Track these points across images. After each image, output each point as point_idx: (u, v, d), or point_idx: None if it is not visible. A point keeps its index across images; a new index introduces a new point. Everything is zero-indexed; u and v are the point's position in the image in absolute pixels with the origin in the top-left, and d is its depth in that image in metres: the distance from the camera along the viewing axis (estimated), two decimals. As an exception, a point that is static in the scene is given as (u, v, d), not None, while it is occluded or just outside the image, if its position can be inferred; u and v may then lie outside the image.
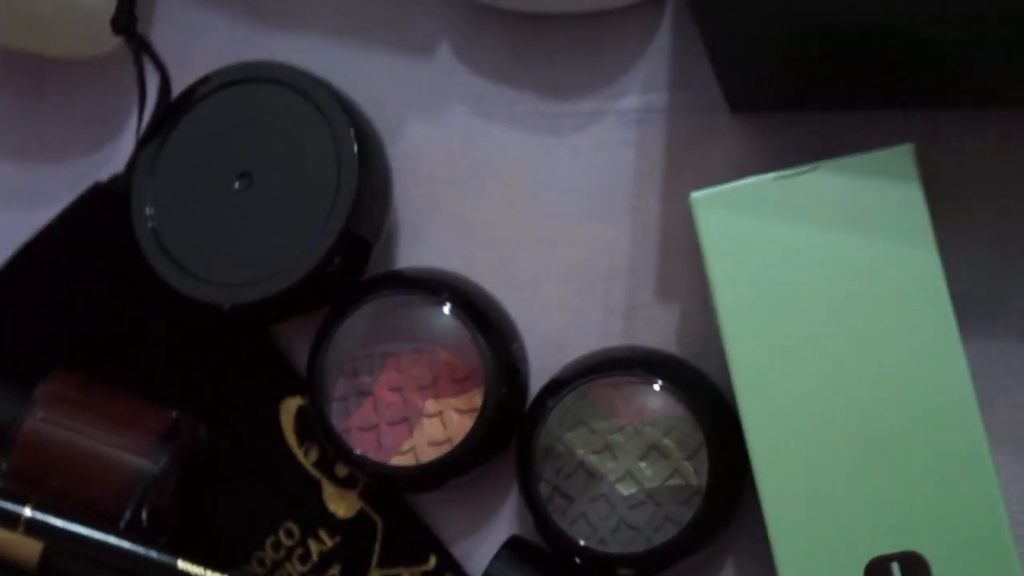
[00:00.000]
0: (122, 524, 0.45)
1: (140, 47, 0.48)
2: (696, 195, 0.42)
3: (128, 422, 0.47)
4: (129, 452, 0.46)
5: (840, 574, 0.41)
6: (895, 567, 0.41)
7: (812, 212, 0.42)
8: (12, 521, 0.45)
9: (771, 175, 0.42)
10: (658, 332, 0.48)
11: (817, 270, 0.42)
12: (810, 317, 0.42)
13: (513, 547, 0.46)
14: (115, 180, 0.50)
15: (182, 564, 0.45)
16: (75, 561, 0.46)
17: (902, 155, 0.41)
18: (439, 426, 0.46)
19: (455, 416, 0.46)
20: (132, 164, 0.48)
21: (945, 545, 0.40)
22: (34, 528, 0.45)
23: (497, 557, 0.45)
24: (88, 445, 0.46)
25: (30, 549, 0.46)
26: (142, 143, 0.48)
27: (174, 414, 0.47)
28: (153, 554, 0.45)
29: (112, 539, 0.45)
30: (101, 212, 0.50)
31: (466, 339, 0.46)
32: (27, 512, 0.45)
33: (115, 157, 0.53)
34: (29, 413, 0.46)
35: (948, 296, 0.41)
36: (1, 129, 0.54)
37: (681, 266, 0.48)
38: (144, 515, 0.46)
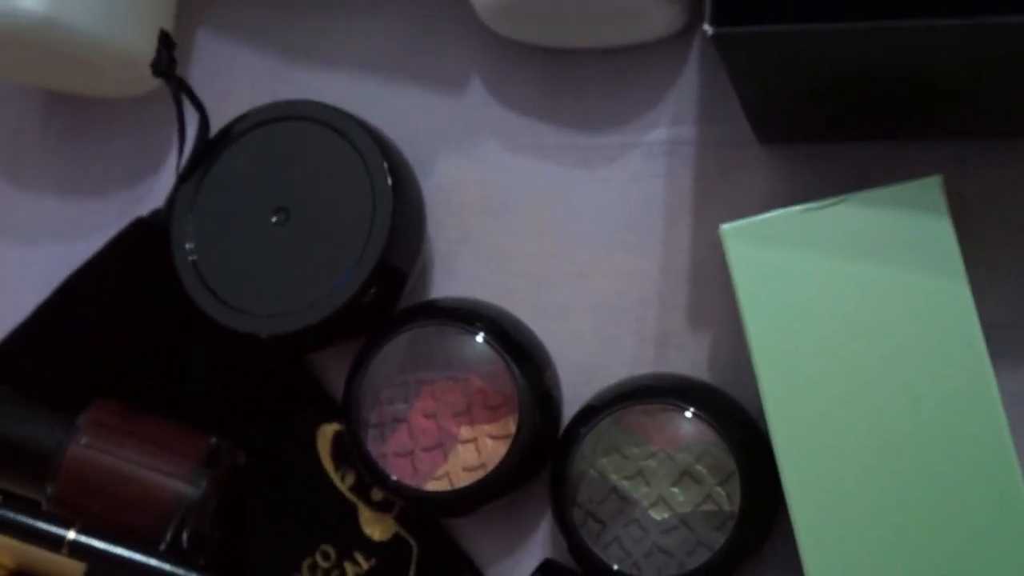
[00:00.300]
0: (162, 547, 0.46)
1: (179, 88, 0.49)
2: (725, 227, 0.43)
3: (169, 447, 0.48)
4: (170, 477, 0.47)
5: (872, 599, 0.41)
6: (927, 592, 0.41)
7: (841, 244, 0.42)
8: (57, 543, 0.46)
9: (799, 207, 0.43)
10: (689, 360, 0.48)
11: (847, 301, 0.42)
12: (840, 347, 0.42)
13: (547, 570, 0.46)
14: (156, 215, 0.51)
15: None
16: None
17: (930, 187, 0.42)
18: (473, 452, 0.47)
19: (489, 442, 0.47)
20: (172, 199, 0.49)
21: (977, 573, 0.41)
22: (77, 550, 0.46)
23: (532, 581, 0.46)
24: (130, 470, 0.47)
25: (72, 572, 0.47)
26: (182, 179, 0.49)
27: (213, 439, 0.48)
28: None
29: (153, 560, 0.46)
30: (142, 246, 0.51)
31: (500, 367, 0.47)
32: (71, 535, 0.46)
33: (155, 192, 0.54)
34: (73, 440, 0.47)
35: (979, 327, 0.41)
36: (46, 166, 0.56)
37: (711, 294, 0.49)
38: (184, 538, 0.47)
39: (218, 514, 0.49)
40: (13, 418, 0.48)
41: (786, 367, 0.42)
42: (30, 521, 0.46)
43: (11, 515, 0.46)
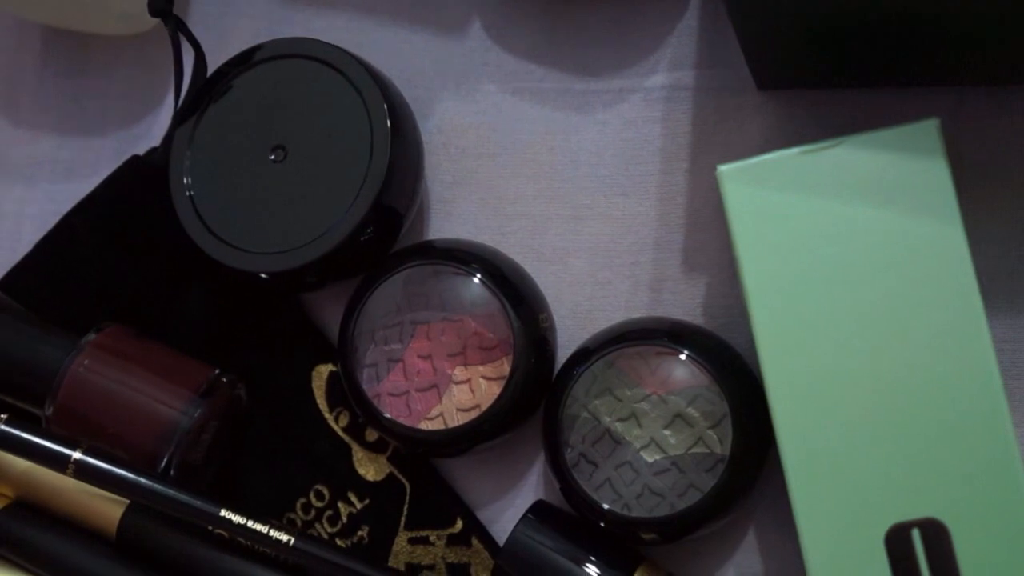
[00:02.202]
0: (158, 471, 0.47)
1: (176, 27, 0.49)
2: (723, 168, 0.43)
3: (169, 376, 0.48)
4: (164, 404, 0.47)
5: (861, 540, 0.41)
6: (915, 533, 0.41)
7: (837, 186, 0.42)
8: (62, 463, 0.46)
9: (796, 149, 0.43)
10: (684, 304, 0.49)
11: (842, 243, 0.42)
12: (835, 289, 0.42)
13: (539, 511, 0.47)
14: (153, 153, 0.51)
15: (224, 512, 0.46)
16: (153, 528, 0.47)
17: (927, 130, 0.42)
18: (468, 392, 0.47)
19: (483, 383, 0.47)
20: (169, 138, 0.49)
21: (965, 513, 0.41)
22: (82, 470, 0.46)
23: (523, 520, 0.46)
24: (126, 394, 0.47)
25: (110, 518, 0.48)
26: (179, 118, 0.49)
27: (215, 371, 0.49)
28: (197, 502, 0.46)
29: (157, 486, 0.46)
30: (139, 184, 0.51)
31: (495, 308, 0.47)
32: (76, 455, 0.46)
33: (154, 131, 0.54)
34: (75, 360, 0.47)
35: (973, 270, 0.41)
36: (44, 104, 0.56)
37: (707, 240, 0.49)
38: (177, 465, 0.47)
39: (217, 445, 0.49)
40: (22, 335, 0.49)
41: (779, 310, 0.42)
42: (35, 439, 0.46)
43: (17, 432, 0.46)
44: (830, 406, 0.42)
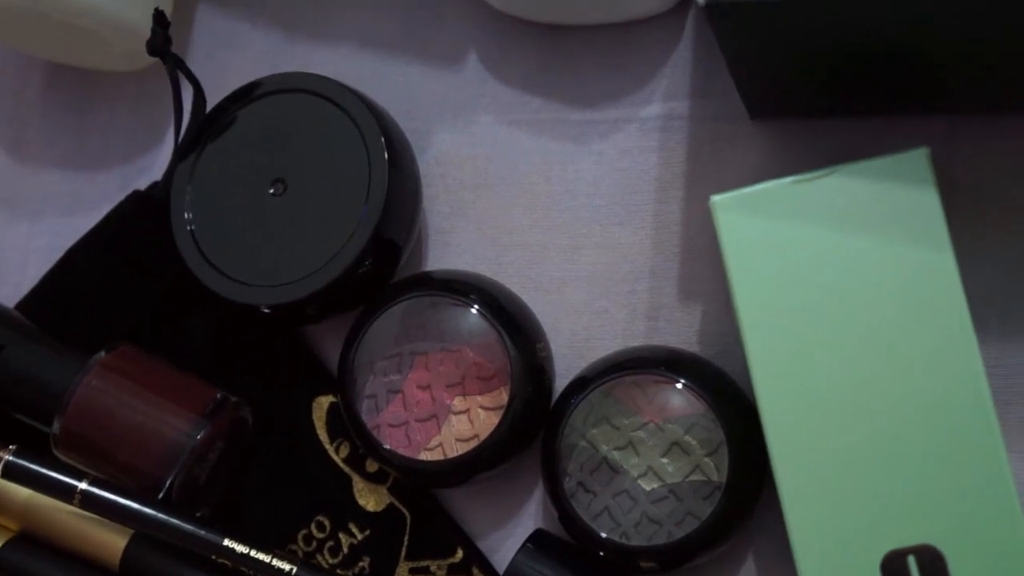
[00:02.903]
0: (161, 494, 0.47)
1: (175, 66, 0.49)
2: (716, 198, 0.44)
3: (175, 396, 0.49)
4: (171, 424, 0.48)
5: (858, 567, 0.42)
6: (911, 560, 0.41)
7: (829, 215, 0.43)
8: (68, 493, 0.47)
9: (789, 179, 0.43)
10: (680, 332, 0.49)
11: (835, 272, 0.43)
12: (828, 317, 0.43)
13: (538, 540, 0.47)
14: (154, 187, 0.52)
15: (228, 542, 0.46)
16: (156, 560, 0.48)
17: (918, 159, 0.42)
18: (467, 423, 0.47)
19: (482, 413, 0.47)
20: (170, 172, 0.50)
21: (960, 539, 0.41)
22: (88, 500, 0.47)
23: (522, 550, 0.46)
24: (133, 414, 0.48)
25: (113, 550, 0.48)
26: (179, 153, 0.50)
27: (219, 394, 0.49)
28: (201, 531, 0.46)
29: (162, 515, 0.47)
30: (141, 218, 0.52)
31: (493, 339, 0.47)
32: (83, 485, 0.47)
33: (156, 166, 0.55)
34: (84, 380, 0.48)
35: (964, 295, 0.42)
36: (48, 139, 0.56)
37: (702, 268, 0.49)
38: (181, 486, 0.47)
39: (220, 467, 0.49)
40: (34, 353, 0.49)
41: (773, 338, 0.43)
42: (42, 470, 0.47)
43: (24, 463, 0.47)
44: (824, 433, 0.42)
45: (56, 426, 0.48)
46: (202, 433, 0.48)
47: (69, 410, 0.48)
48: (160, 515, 0.47)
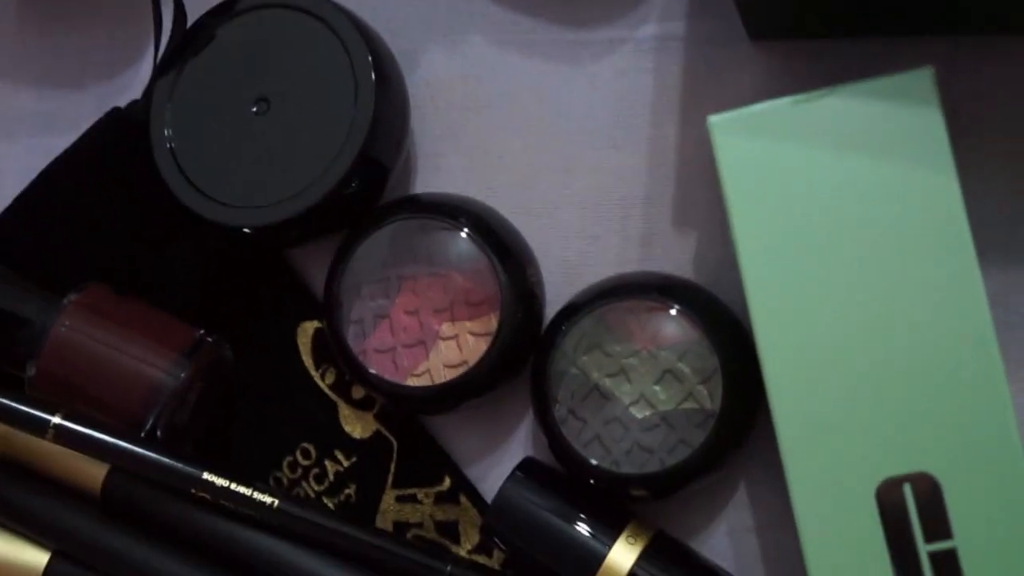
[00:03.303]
0: (143, 434, 0.46)
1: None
2: (713, 119, 0.42)
3: (153, 336, 0.47)
4: (151, 365, 0.47)
5: (852, 496, 0.41)
6: (907, 488, 0.41)
7: (830, 136, 0.42)
8: (42, 427, 0.46)
9: (788, 99, 0.42)
10: (675, 258, 0.48)
11: (835, 194, 0.42)
12: (827, 241, 0.42)
13: (527, 468, 0.46)
14: (134, 105, 0.51)
15: (207, 476, 0.46)
16: (138, 488, 0.47)
17: (922, 78, 0.41)
18: (455, 349, 0.46)
19: (471, 339, 0.46)
20: (150, 90, 0.48)
21: (957, 468, 0.41)
22: (62, 435, 0.46)
23: (511, 478, 0.46)
24: (109, 355, 0.47)
25: (94, 477, 0.47)
26: (159, 70, 0.48)
27: (200, 332, 0.48)
28: (179, 465, 0.46)
29: (138, 449, 0.46)
30: (120, 137, 0.50)
31: (483, 263, 0.46)
32: (56, 419, 0.46)
33: (135, 84, 0.53)
34: (57, 321, 0.47)
35: (967, 220, 0.41)
36: (23, 56, 0.55)
37: (698, 193, 0.48)
38: (163, 427, 0.46)
39: (202, 407, 0.48)
40: (2, 295, 0.48)
41: (771, 263, 0.42)
42: (14, 405, 0.46)
43: None
44: (821, 360, 0.41)
45: (31, 370, 0.47)
46: (183, 373, 0.46)
47: (43, 353, 0.46)
48: (136, 448, 0.46)
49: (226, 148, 0.47)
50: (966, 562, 0.40)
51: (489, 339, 0.46)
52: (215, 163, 0.47)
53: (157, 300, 0.49)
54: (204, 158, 0.47)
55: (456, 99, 0.50)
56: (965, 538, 0.40)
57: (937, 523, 0.41)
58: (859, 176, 0.41)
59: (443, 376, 0.46)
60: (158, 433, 0.47)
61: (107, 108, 0.50)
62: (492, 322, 0.46)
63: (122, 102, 0.51)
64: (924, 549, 0.41)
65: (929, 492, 0.41)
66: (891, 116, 0.41)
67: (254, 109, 0.47)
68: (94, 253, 0.50)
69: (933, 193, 0.41)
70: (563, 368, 0.45)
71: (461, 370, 0.46)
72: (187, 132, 0.48)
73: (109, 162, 0.50)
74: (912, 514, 0.41)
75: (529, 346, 0.47)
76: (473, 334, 0.46)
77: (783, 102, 0.42)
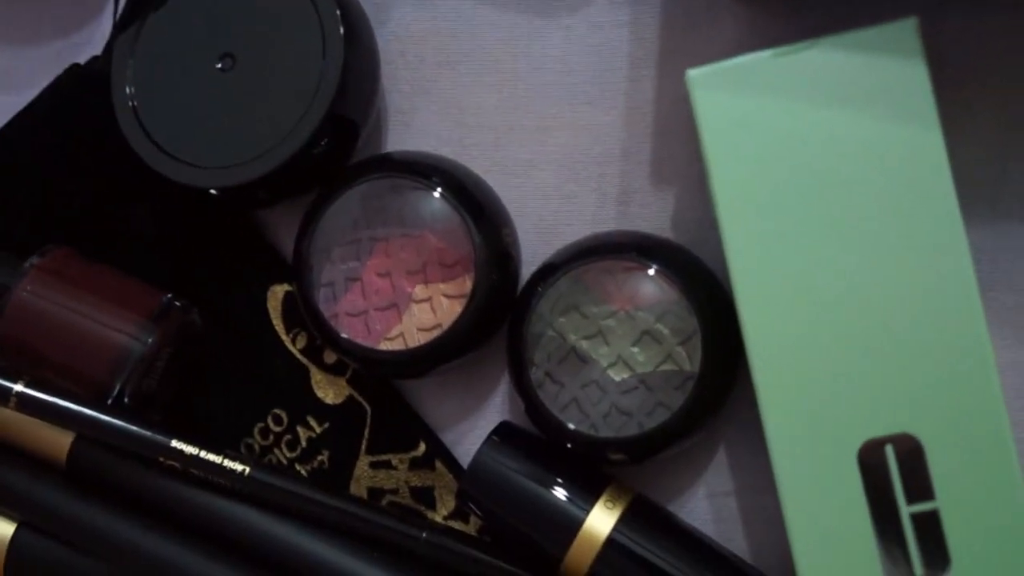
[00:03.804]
0: (109, 402, 0.45)
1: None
2: (692, 72, 0.41)
3: (119, 301, 0.46)
4: (117, 330, 0.45)
5: (833, 457, 0.40)
6: (889, 449, 0.40)
7: (812, 90, 0.41)
8: (4, 396, 0.45)
9: (769, 52, 0.41)
10: (653, 218, 0.47)
11: (816, 149, 0.41)
12: (809, 199, 0.41)
13: (503, 433, 0.45)
14: (94, 62, 0.49)
15: (176, 443, 0.45)
16: (105, 457, 0.46)
17: (905, 29, 0.40)
18: (428, 311, 0.45)
19: (445, 301, 0.45)
20: (110, 46, 0.47)
21: (940, 428, 0.40)
22: (25, 403, 0.45)
23: (487, 442, 0.45)
24: (74, 320, 0.45)
25: (59, 446, 0.46)
26: (120, 24, 0.47)
27: (167, 296, 0.47)
28: (147, 433, 0.45)
29: (104, 417, 0.44)
30: (80, 95, 0.49)
31: (456, 224, 0.45)
32: (18, 387, 0.45)
33: (94, 39, 0.51)
34: (18, 286, 0.45)
35: (950, 175, 0.40)
36: (-24, 11, 0.53)
37: (676, 150, 0.47)
38: (130, 394, 0.45)
39: (170, 373, 0.47)
40: None
41: (751, 220, 0.41)
42: None
43: None
44: (803, 320, 0.41)
45: None
46: (151, 338, 0.45)
47: (4, 318, 0.45)
48: (102, 416, 0.45)
49: (191, 106, 0.46)
50: (948, 523, 0.40)
51: (464, 301, 0.44)
52: (179, 122, 0.46)
53: (122, 264, 0.48)
54: (168, 117, 0.46)
55: (427, 54, 0.49)
56: (947, 499, 0.40)
57: (919, 484, 0.40)
58: (841, 130, 0.40)
59: (417, 340, 0.45)
60: (125, 400, 0.45)
61: (66, 64, 0.49)
62: (467, 284, 0.45)
63: (82, 58, 0.49)
64: (906, 511, 0.40)
65: (911, 453, 0.40)
66: (874, 68, 0.40)
67: (219, 66, 0.46)
68: (54, 216, 0.49)
69: (917, 148, 0.40)
70: (539, 330, 0.44)
71: (435, 333, 0.45)
72: (150, 90, 0.46)
73: (68, 121, 0.49)
74: (894, 475, 0.40)
75: (504, 308, 0.46)
76: (447, 296, 0.45)
77: (764, 55, 0.41)
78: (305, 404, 0.48)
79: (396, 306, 0.46)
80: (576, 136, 0.48)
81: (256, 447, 0.49)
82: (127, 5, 0.47)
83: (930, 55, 0.40)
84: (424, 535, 0.45)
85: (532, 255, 0.47)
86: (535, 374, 0.44)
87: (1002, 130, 0.44)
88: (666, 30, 0.47)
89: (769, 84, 0.41)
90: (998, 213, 0.44)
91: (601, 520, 0.43)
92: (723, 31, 0.46)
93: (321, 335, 0.46)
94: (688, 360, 0.43)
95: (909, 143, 0.40)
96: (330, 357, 0.48)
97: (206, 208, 0.49)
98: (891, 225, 0.40)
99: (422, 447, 0.48)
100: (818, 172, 0.41)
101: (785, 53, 0.41)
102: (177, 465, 0.45)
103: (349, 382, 0.48)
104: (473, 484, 0.45)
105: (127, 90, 0.46)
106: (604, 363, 0.44)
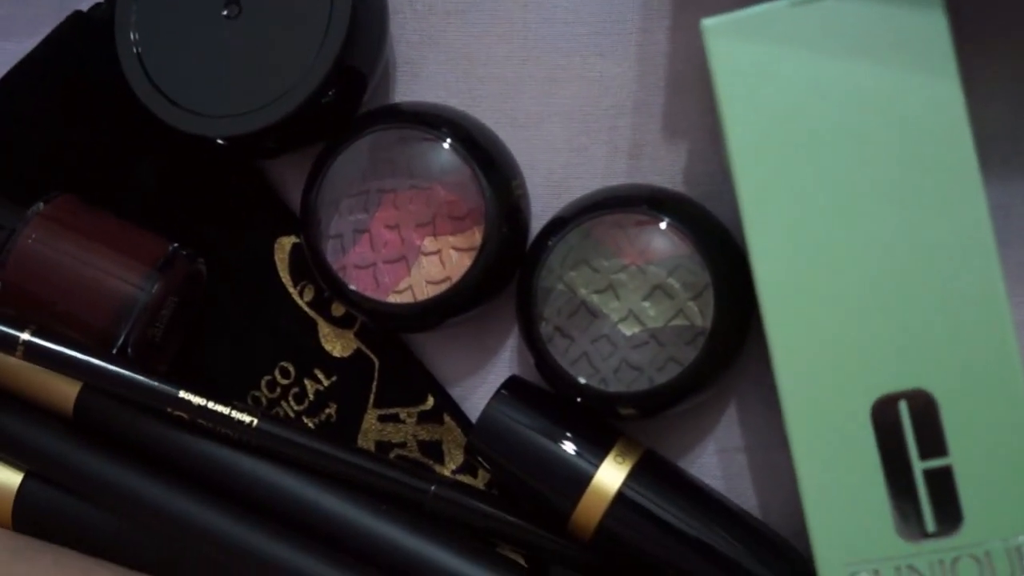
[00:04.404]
0: (114, 351, 0.45)
1: None
2: (707, 22, 0.40)
3: (124, 249, 0.46)
4: (121, 279, 0.45)
5: (846, 413, 0.40)
6: (902, 405, 0.40)
7: (830, 41, 0.40)
8: (11, 345, 0.44)
9: (786, 1, 0.40)
10: (664, 171, 0.46)
11: (834, 102, 0.40)
12: (825, 151, 0.40)
13: (512, 387, 0.45)
14: (97, 8, 0.48)
15: (184, 394, 0.44)
16: (112, 407, 0.46)
17: (927, -21, 0.39)
18: (438, 264, 0.45)
19: (454, 254, 0.45)
20: (114, -8, 0.46)
21: (954, 384, 0.40)
22: (32, 352, 0.44)
23: (496, 396, 0.44)
24: (80, 269, 0.45)
25: (66, 396, 0.46)
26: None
27: (173, 245, 0.46)
28: (155, 383, 0.44)
29: (111, 367, 0.44)
30: (83, 42, 0.48)
31: (466, 176, 0.44)
32: (25, 336, 0.44)
33: (98, -14, 0.51)
34: (24, 232, 0.45)
35: (969, 129, 0.39)
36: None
37: (689, 103, 0.46)
38: (134, 343, 0.45)
39: (176, 323, 0.47)
40: None
41: (767, 174, 0.40)
42: None
43: None
44: (817, 275, 0.40)
45: None
46: (155, 287, 0.45)
47: (8, 266, 0.45)
48: (110, 366, 0.44)
49: (196, 54, 0.45)
50: (961, 479, 0.40)
51: (473, 254, 0.44)
52: (185, 70, 0.45)
53: (127, 213, 0.48)
54: (173, 65, 0.45)
55: (436, 3, 0.48)
56: (960, 455, 0.40)
57: (932, 440, 0.40)
58: (859, 83, 0.40)
59: (425, 293, 0.45)
60: (129, 350, 0.45)
61: (68, 10, 0.48)
62: (476, 237, 0.44)
63: (84, 5, 0.48)
64: (919, 466, 0.40)
65: (925, 409, 0.40)
66: (893, 20, 0.39)
67: (225, 12, 0.45)
68: (57, 164, 0.48)
69: (936, 101, 0.39)
70: (549, 284, 0.44)
71: (444, 286, 0.44)
72: (155, 37, 0.45)
73: (71, 69, 0.48)
74: (907, 431, 0.40)
75: (514, 262, 0.45)
76: (456, 249, 0.45)
77: (781, 5, 0.40)
78: (313, 357, 0.48)
79: (405, 258, 0.45)
80: (587, 88, 0.47)
81: (263, 400, 0.48)
82: (131, -49, 0.46)
83: (950, 6, 0.40)
84: (432, 489, 0.45)
85: (542, 208, 0.47)
86: (545, 328, 0.44)
87: (1018, 84, 0.43)
88: (680, -21, 0.46)
89: (786, 35, 0.40)
90: (1013, 168, 0.44)
91: (611, 475, 0.43)
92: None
93: (329, 287, 0.46)
94: (700, 315, 0.43)
95: (928, 96, 0.39)
96: (338, 310, 0.48)
97: (213, 157, 0.48)
98: (908, 179, 0.40)
99: (430, 401, 0.47)
100: (835, 125, 0.40)
101: (803, 3, 0.40)
102: (185, 416, 0.45)
103: (357, 335, 0.48)
104: (482, 438, 0.44)
105: (132, 37, 0.45)
106: (615, 317, 0.43)
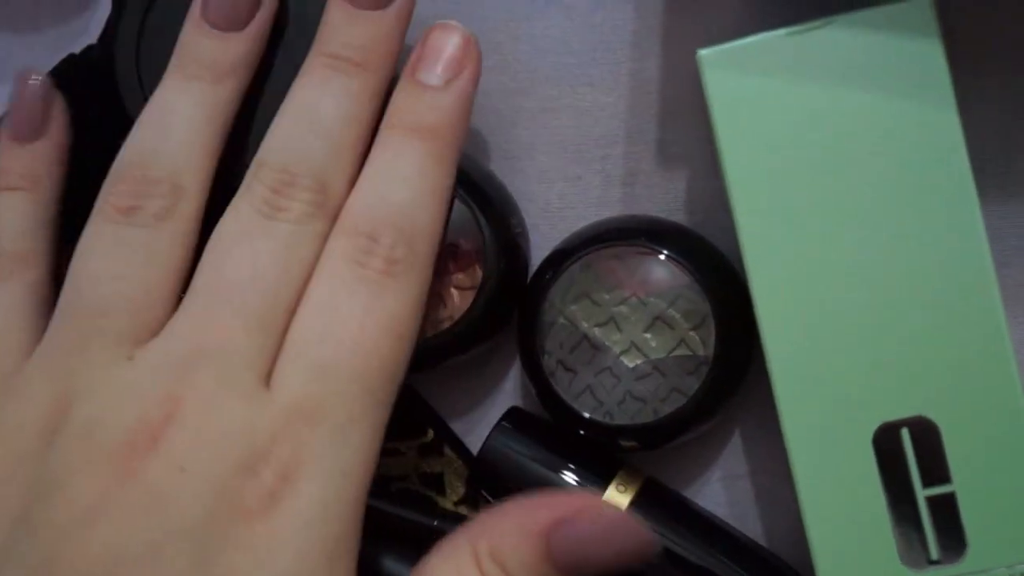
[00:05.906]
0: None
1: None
2: (703, 52, 0.41)
3: None
4: None
5: (849, 441, 0.40)
6: (904, 433, 0.40)
7: (826, 69, 0.40)
8: None
9: (782, 31, 0.40)
10: (659, 199, 0.46)
11: (830, 130, 0.40)
12: (822, 179, 0.40)
13: (513, 418, 0.45)
14: (90, 51, 0.48)
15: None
16: None
17: (920, 7, 0.39)
18: (439, 304, 0.45)
19: (456, 293, 0.45)
20: (107, 32, 0.45)
21: (956, 410, 0.40)
22: None
23: (497, 428, 0.44)
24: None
25: None
26: (118, 5, 0.45)
27: None
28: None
29: None
30: (77, 86, 0.47)
31: (464, 216, 0.44)
32: None
33: (91, 27, 0.50)
34: None
35: (966, 155, 0.39)
36: (-36, -2, 0.52)
37: (681, 131, 0.46)
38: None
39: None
40: None
41: (764, 201, 0.40)
42: None
43: None
44: (817, 302, 0.40)
45: None
46: None
47: None
48: None
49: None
50: (964, 506, 0.40)
51: (474, 293, 0.44)
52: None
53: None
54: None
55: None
56: (963, 482, 0.40)
57: (935, 467, 0.40)
58: (856, 111, 0.40)
59: (427, 332, 0.44)
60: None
61: (62, 53, 0.47)
62: (476, 275, 0.44)
63: (79, 47, 0.48)
64: (922, 494, 0.40)
65: (927, 435, 0.40)
66: (889, 48, 0.40)
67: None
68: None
69: (933, 128, 0.40)
70: (551, 319, 0.44)
71: (446, 325, 0.44)
72: (158, 73, 0.44)
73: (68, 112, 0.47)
74: (910, 459, 0.40)
75: (515, 297, 0.45)
76: (458, 288, 0.45)
77: (777, 34, 0.40)
78: (312, 394, 0.48)
79: (404, 296, 0.45)
80: (579, 118, 0.47)
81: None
82: (126, -9, 0.45)
83: (943, 28, 0.40)
84: (436, 523, 0.45)
85: (540, 239, 0.47)
86: (548, 362, 0.44)
87: (1014, 106, 0.44)
88: (672, 7, 0.46)
89: (782, 64, 0.40)
90: (1009, 189, 0.44)
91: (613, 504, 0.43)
92: (732, 8, 0.46)
93: (328, 326, 0.46)
94: (702, 345, 0.43)
95: (925, 123, 0.40)
96: (337, 347, 0.48)
97: (223, 197, 0.48)
98: (906, 207, 0.40)
99: (430, 434, 0.47)
100: (832, 153, 0.40)
101: (799, 32, 0.40)
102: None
103: (357, 372, 0.48)
104: (484, 469, 0.44)
105: (136, 77, 0.44)
106: (617, 350, 0.43)
